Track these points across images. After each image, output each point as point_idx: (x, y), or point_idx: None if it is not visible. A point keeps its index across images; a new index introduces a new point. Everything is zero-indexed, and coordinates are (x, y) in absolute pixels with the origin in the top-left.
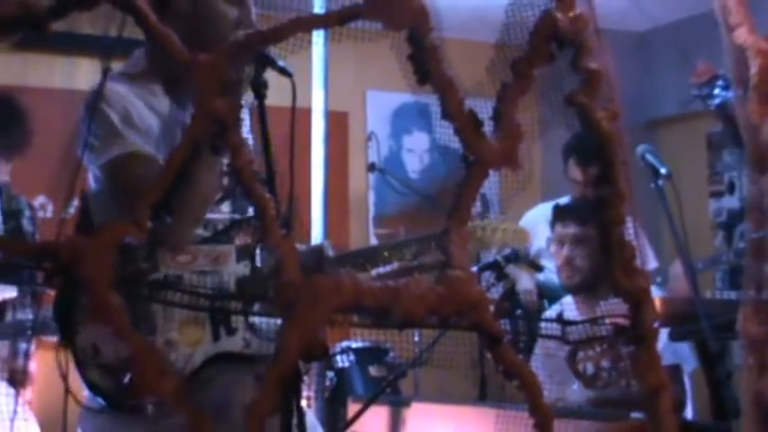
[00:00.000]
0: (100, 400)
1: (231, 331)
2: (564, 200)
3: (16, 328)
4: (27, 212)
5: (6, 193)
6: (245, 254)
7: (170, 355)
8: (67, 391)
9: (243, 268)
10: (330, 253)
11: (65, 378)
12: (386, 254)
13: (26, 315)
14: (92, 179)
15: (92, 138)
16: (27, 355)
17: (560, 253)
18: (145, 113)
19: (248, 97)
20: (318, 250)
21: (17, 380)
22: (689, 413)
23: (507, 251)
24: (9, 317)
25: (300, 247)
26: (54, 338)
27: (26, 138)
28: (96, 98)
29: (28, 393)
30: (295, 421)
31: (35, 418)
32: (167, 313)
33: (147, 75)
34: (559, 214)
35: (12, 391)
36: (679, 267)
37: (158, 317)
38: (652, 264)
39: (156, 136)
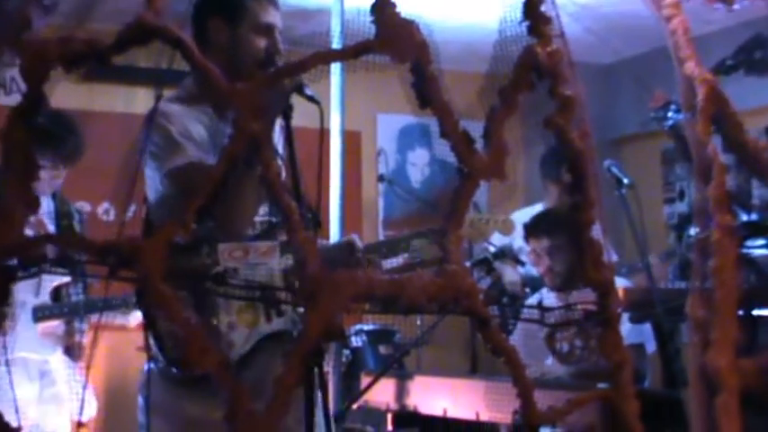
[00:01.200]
0: (175, 371)
1: (281, 313)
2: (532, 209)
3: (72, 309)
4: (76, 215)
5: (60, 197)
6: (287, 249)
7: (231, 335)
8: (150, 358)
9: (286, 261)
10: (359, 244)
11: (148, 351)
12: (402, 244)
13: (78, 297)
14: (148, 187)
15: (155, 149)
16: (81, 332)
17: (541, 263)
18: (198, 129)
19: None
20: (350, 242)
21: (74, 353)
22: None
23: (495, 250)
24: (64, 299)
25: (334, 242)
26: (117, 319)
27: (79, 149)
28: (160, 113)
29: (82, 365)
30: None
31: (91, 387)
32: (227, 301)
33: (197, 97)
34: (531, 231)
35: (71, 361)
36: (655, 259)
37: (220, 303)
38: (612, 258)
39: (207, 147)
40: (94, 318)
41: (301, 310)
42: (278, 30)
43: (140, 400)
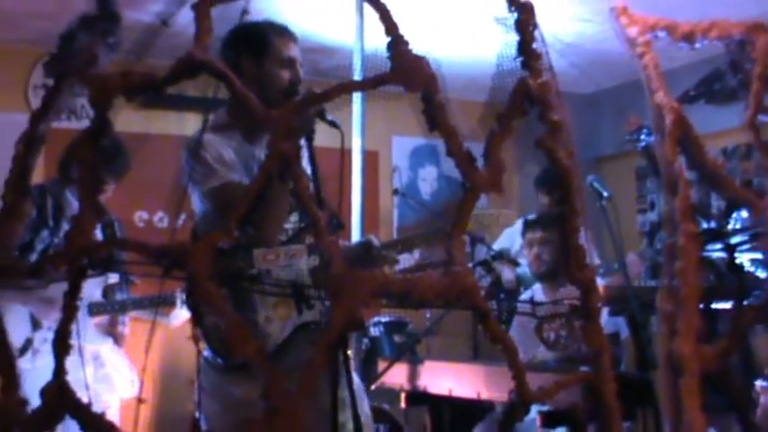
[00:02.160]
0: (220, 360)
1: (310, 306)
2: (530, 216)
3: (120, 306)
4: (117, 224)
5: (104, 210)
6: (313, 250)
7: (268, 327)
8: (198, 351)
9: (312, 261)
10: (376, 243)
11: (197, 345)
12: (415, 241)
13: (123, 295)
14: (195, 203)
15: (195, 174)
16: (123, 323)
17: (531, 252)
18: (228, 152)
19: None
20: (368, 242)
21: (117, 341)
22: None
23: (493, 253)
24: (111, 297)
25: (354, 242)
26: (168, 320)
27: (126, 167)
28: (197, 143)
29: (124, 350)
30: (344, 375)
31: (131, 365)
32: (263, 297)
33: (228, 125)
34: (528, 224)
35: (118, 349)
36: (632, 257)
37: (257, 300)
38: (595, 261)
39: (237, 167)
40: (135, 313)
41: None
42: (298, 62)
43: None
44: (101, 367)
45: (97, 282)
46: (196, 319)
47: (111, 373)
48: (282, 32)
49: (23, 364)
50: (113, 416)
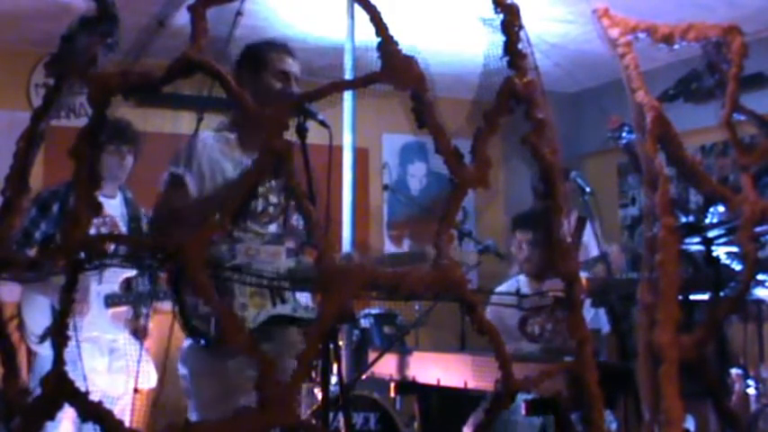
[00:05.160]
0: (202, 342)
1: (284, 301)
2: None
3: (137, 297)
4: (144, 219)
5: (132, 203)
6: (291, 253)
7: (243, 313)
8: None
9: (290, 262)
10: (356, 258)
11: (185, 330)
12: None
13: (145, 288)
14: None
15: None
16: (146, 316)
17: (521, 252)
18: (225, 162)
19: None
20: (348, 256)
21: (139, 334)
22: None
23: (481, 246)
24: (133, 289)
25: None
26: (164, 305)
27: (137, 136)
28: (192, 142)
29: (147, 343)
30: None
31: (153, 361)
32: (241, 286)
33: (228, 130)
34: (518, 223)
35: (135, 341)
36: (615, 247)
37: (235, 288)
38: (594, 252)
39: (231, 174)
40: (157, 305)
41: (301, 298)
42: (293, 74)
43: (182, 369)
44: (118, 359)
45: (96, 274)
46: (180, 306)
47: (128, 365)
48: (279, 49)
49: (43, 350)
50: (126, 406)
